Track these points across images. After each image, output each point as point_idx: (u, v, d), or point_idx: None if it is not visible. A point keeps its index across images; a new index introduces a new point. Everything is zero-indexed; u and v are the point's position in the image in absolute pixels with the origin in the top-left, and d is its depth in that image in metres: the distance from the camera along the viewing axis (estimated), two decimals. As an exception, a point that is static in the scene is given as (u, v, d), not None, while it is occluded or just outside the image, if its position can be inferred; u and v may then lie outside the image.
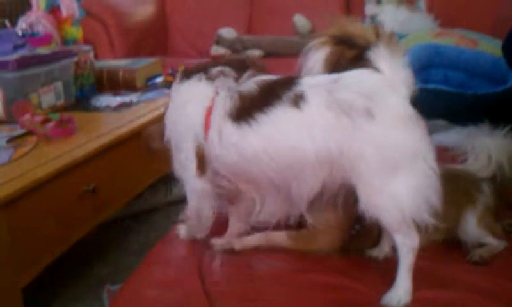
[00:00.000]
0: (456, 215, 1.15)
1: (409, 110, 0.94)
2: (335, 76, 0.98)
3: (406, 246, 0.95)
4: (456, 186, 1.16)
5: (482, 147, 1.26)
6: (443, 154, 1.33)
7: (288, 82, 1.01)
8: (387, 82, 0.95)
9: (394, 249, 0.99)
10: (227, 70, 1.09)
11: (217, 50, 3.59)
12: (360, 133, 0.92)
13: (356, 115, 0.92)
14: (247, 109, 0.99)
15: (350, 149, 0.92)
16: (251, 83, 1.03)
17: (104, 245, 2.22)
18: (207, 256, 1.07)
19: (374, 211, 0.94)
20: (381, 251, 1.09)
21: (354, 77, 0.97)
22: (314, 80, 0.99)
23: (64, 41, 2.46)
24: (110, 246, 2.21)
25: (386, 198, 0.93)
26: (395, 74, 0.95)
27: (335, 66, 1.01)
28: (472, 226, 1.14)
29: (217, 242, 1.11)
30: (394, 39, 0.96)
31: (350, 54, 0.99)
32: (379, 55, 0.95)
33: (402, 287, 0.95)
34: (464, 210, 1.16)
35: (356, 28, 1.00)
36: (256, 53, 3.48)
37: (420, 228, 0.96)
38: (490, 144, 1.26)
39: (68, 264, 1.96)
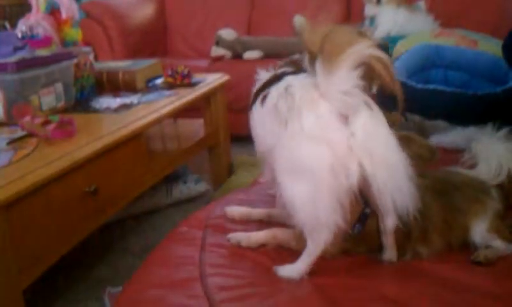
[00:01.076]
0: (464, 222, 1.14)
1: (318, 130, 0.96)
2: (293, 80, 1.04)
3: (309, 246, 1.03)
4: (466, 194, 1.17)
5: (491, 152, 1.25)
6: (449, 157, 1.33)
7: (269, 82, 1.11)
8: (314, 96, 0.97)
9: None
10: None
11: (217, 51, 3.59)
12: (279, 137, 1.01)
13: (281, 121, 1.00)
14: None
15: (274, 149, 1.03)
16: None
17: (104, 246, 2.23)
18: (208, 257, 1.07)
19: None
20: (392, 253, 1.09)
21: (297, 86, 1.01)
22: (282, 83, 1.05)
23: (64, 43, 2.46)
24: (111, 247, 2.22)
25: (288, 198, 1.01)
26: (326, 89, 0.96)
27: None
28: (483, 232, 1.14)
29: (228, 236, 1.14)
30: (338, 50, 0.92)
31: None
32: (318, 69, 0.96)
33: (298, 266, 1.03)
34: (475, 217, 1.15)
35: (308, 38, 1.02)
36: (256, 54, 3.48)
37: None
38: (500, 149, 1.25)
39: (68, 265, 1.96)
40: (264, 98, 1.08)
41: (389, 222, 1.05)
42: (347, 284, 1.00)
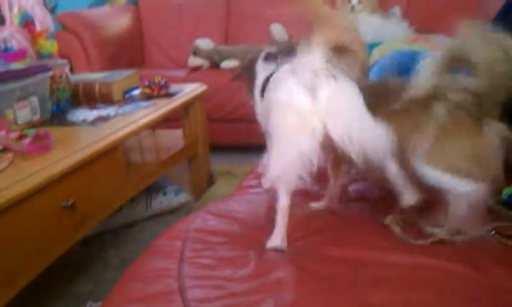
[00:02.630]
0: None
1: (285, 97, 1.13)
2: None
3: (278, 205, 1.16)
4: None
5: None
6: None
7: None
8: (290, 70, 1.14)
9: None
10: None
11: (194, 61, 3.59)
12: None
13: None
14: None
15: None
16: None
17: (83, 261, 2.20)
18: (187, 269, 1.06)
19: None
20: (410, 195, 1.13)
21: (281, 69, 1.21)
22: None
23: (39, 56, 2.43)
24: (90, 262, 2.19)
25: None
26: (298, 68, 1.12)
27: None
28: (421, 164, 1.12)
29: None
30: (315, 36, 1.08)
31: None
32: (298, 52, 1.12)
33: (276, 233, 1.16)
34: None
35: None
36: (233, 63, 3.48)
37: None
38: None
39: (48, 281, 1.93)
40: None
41: (392, 169, 1.12)
42: (338, 289, 1.00)
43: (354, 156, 1.08)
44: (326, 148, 1.12)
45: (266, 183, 1.46)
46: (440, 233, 1.15)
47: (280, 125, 1.14)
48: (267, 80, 1.31)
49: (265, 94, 1.29)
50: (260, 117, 1.40)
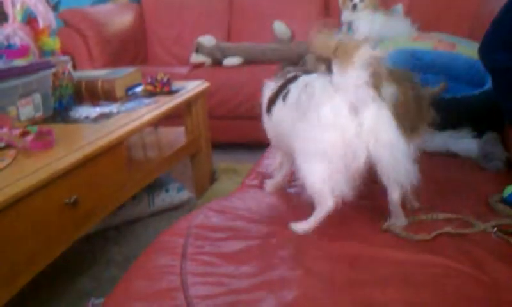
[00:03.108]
0: None
1: (333, 117, 1.15)
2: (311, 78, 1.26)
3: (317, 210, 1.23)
4: None
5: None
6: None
7: (288, 81, 1.34)
8: (330, 90, 1.17)
9: None
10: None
11: (196, 58, 3.58)
12: (298, 124, 1.23)
13: (300, 112, 1.22)
14: None
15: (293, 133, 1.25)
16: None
17: (86, 257, 2.20)
18: (190, 266, 1.06)
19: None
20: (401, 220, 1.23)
21: (316, 83, 1.22)
22: (301, 81, 1.28)
23: (42, 53, 2.44)
24: (92, 259, 2.19)
25: (304, 175, 1.22)
26: (341, 84, 1.15)
27: None
28: None
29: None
30: (349, 51, 1.12)
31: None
32: (334, 69, 1.16)
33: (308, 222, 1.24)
34: None
35: (319, 45, 1.21)
36: (235, 60, 3.48)
37: None
38: None
39: (49, 279, 1.93)
40: (286, 94, 1.31)
41: (394, 196, 1.21)
42: (338, 287, 1.00)
43: (384, 178, 1.18)
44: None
45: (268, 186, 1.52)
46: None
47: (326, 145, 1.16)
48: (285, 85, 1.34)
49: (291, 100, 1.29)
50: (277, 123, 1.37)
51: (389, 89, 1.19)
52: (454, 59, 2.08)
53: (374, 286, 1.00)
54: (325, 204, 1.22)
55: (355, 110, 1.14)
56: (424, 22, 3.20)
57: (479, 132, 1.66)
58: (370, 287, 1.00)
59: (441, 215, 1.25)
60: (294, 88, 1.29)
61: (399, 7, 3.48)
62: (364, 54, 1.11)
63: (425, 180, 1.21)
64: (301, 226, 1.23)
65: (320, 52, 1.23)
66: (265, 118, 1.42)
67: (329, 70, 1.19)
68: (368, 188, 1.29)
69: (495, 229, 1.18)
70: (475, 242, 1.15)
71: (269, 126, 1.42)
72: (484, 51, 1.50)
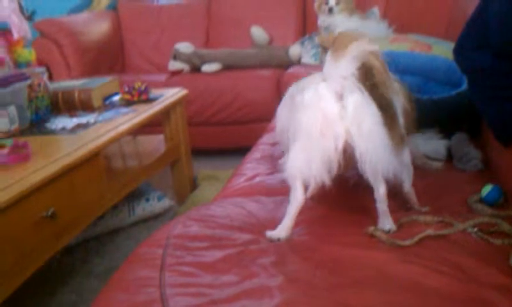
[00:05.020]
0: None
1: (316, 99, 1.17)
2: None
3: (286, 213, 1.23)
4: None
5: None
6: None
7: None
8: (317, 79, 1.21)
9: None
10: None
11: (174, 65, 3.57)
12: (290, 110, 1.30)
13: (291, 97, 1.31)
14: None
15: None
16: None
17: (67, 269, 2.18)
18: (168, 277, 1.05)
19: None
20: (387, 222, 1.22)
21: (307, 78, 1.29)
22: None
23: (17, 64, 2.41)
24: (74, 270, 2.17)
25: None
26: (329, 72, 1.20)
27: None
28: None
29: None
30: (345, 43, 1.17)
31: None
32: (327, 59, 1.21)
33: (282, 225, 1.22)
34: None
35: (323, 38, 1.39)
36: (214, 67, 3.47)
37: None
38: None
39: (29, 293, 1.90)
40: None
41: (380, 190, 1.21)
42: (319, 293, 1.00)
43: (362, 167, 1.16)
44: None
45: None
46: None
47: (306, 124, 1.17)
48: None
49: (287, 96, 1.41)
50: (279, 118, 1.47)
51: (397, 97, 1.25)
52: (431, 61, 2.08)
53: (355, 289, 1.00)
54: (295, 199, 1.21)
55: (339, 96, 1.15)
56: (400, 24, 3.22)
57: (446, 133, 1.67)
58: (350, 291, 0.99)
59: (422, 218, 1.25)
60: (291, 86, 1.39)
61: (375, 10, 3.51)
62: (358, 47, 1.14)
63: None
64: (276, 233, 1.22)
65: (325, 44, 1.28)
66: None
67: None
68: (353, 190, 1.30)
69: (475, 229, 1.19)
70: (454, 242, 1.15)
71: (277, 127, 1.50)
72: (458, 52, 1.51)
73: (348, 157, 1.18)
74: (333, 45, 1.20)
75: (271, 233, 1.22)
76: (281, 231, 1.21)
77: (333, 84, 1.16)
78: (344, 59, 1.15)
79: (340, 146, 1.15)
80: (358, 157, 1.15)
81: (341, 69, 1.16)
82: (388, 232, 1.19)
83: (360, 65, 1.15)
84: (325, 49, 1.30)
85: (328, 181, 1.17)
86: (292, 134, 1.23)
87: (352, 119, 1.14)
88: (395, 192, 1.25)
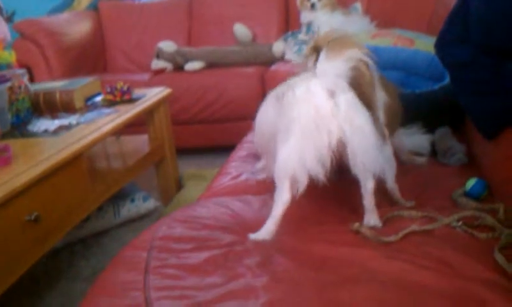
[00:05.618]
0: None
1: (308, 95, 1.18)
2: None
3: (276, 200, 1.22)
4: None
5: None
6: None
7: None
8: (309, 77, 1.22)
9: None
10: None
11: (157, 64, 3.55)
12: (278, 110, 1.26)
13: (279, 99, 1.26)
14: None
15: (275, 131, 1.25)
16: None
17: (53, 273, 2.16)
18: (152, 280, 1.04)
19: None
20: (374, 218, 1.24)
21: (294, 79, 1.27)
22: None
23: (-3, 67, 2.37)
24: (60, 274, 2.15)
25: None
26: (323, 69, 1.21)
27: None
28: None
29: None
30: (341, 45, 1.22)
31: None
32: (321, 56, 1.22)
33: (265, 227, 1.21)
34: None
35: (319, 37, 1.32)
36: (197, 65, 3.46)
37: None
38: None
39: (14, 297, 1.88)
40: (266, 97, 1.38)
41: (368, 185, 1.22)
42: (306, 291, 0.99)
43: (353, 163, 1.19)
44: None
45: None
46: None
47: (299, 119, 1.17)
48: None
49: (272, 96, 1.36)
50: (261, 122, 1.42)
51: (380, 93, 1.28)
52: (414, 55, 2.09)
53: (342, 287, 1.00)
54: (280, 200, 1.21)
55: (331, 94, 1.17)
56: (383, 19, 3.23)
57: (430, 128, 1.68)
58: (337, 288, 0.99)
59: (406, 213, 1.25)
60: (272, 91, 1.36)
61: (358, 5, 3.52)
62: (353, 52, 1.18)
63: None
64: (260, 234, 1.21)
65: (317, 43, 1.30)
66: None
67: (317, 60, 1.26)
68: (338, 188, 1.30)
69: (460, 223, 1.19)
70: (440, 237, 1.16)
71: (256, 133, 1.47)
72: (439, 46, 1.52)
73: (339, 153, 1.19)
74: (328, 45, 1.22)
75: (255, 235, 1.21)
76: (266, 234, 1.21)
77: (325, 81, 1.18)
78: (338, 59, 1.18)
79: (334, 142, 1.17)
80: (350, 153, 1.17)
81: (335, 68, 1.19)
82: (373, 227, 1.20)
83: (352, 67, 1.18)
84: (317, 49, 1.28)
85: (321, 177, 1.17)
86: (282, 133, 1.21)
87: (344, 117, 1.16)
88: (378, 187, 1.24)
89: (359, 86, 1.20)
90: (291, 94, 1.21)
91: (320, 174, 1.17)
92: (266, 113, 1.37)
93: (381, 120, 1.29)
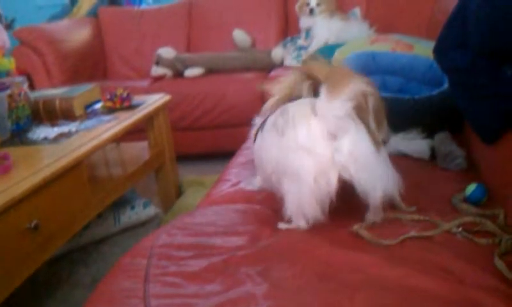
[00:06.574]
0: None
1: (309, 141, 1.20)
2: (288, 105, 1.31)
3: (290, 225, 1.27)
4: None
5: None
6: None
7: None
8: (308, 113, 1.22)
9: None
10: None
11: (157, 71, 3.56)
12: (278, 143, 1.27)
13: (278, 133, 1.27)
14: None
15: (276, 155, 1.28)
16: None
17: (53, 281, 2.15)
18: (152, 288, 1.04)
19: None
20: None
21: (291, 106, 1.29)
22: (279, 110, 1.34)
23: (-3, 74, 2.38)
24: (60, 282, 2.15)
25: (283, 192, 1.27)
26: (323, 110, 1.20)
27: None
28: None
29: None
30: (341, 81, 1.20)
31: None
32: (321, 93, 1.20)
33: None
34: None
35: (314, 67, 1.32)
36: (197, 71, 3.46)
37: None
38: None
39: (15, 305, 1.88)
40: (263, 123, 1.38)
41: (376, 196, 1.21)
42: (301, 303, 0.99)
43: (361, 193, 1.19)
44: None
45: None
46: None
47: (298, 167, 1.21)
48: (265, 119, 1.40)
49: (268, 125, 1.34)
50: (260, 151, 1.42)
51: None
52: (413, 60, 2.09)
53: (343, 294, 0.99)
54: (297, 223, 1.25)
55: (332, 137, 1.18)
56: (382, 25, 3.23)
57: (429, 133, 1.68)
58: (338, 295, 0.99)
59: (409, 217, 1.25)
60: (271, 116, 1.35)
61: (356, 10, 3.52)
62: (354, 87, 1.17)
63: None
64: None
65: (312, 72, 1.31)
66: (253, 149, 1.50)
67: (314, 91, 1.29)
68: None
69: (460, 228, 1.19)
70: (440, 242, 1.16)
71: (255, 156, 1.48)
72: (438, 51, 1.52)
73: (344, 189, 1.21)
74: (327, 80, 1.21)
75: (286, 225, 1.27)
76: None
77: (327, 123, 1.19)
78: (339, 98, 1.16)
79: (333, 188, 1.19)
80: (357, 186, 1.18)
81: (336, 109, 1.17)
82: (373, 222, 1.23)
83: (355, 104, 1.17)
84: (314, 80, 1.32)
85: (322, 218, 1.21)
86: (283, 171, 1.25)
87: (348, 157, 1.17)
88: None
89: (362, 119, 1.20)
90: (293, 134, 1.22)
91: (320, 216, 1.21)
92: (267, 150, 1.34)
93: (372, 127, 1.27)
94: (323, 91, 1.20)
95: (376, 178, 1.19)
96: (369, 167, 1.18)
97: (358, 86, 1.18)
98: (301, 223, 1.24)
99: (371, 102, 1.21)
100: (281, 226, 1.28)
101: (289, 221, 1.26)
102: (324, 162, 1.18)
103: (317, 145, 1.19)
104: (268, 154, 1.33)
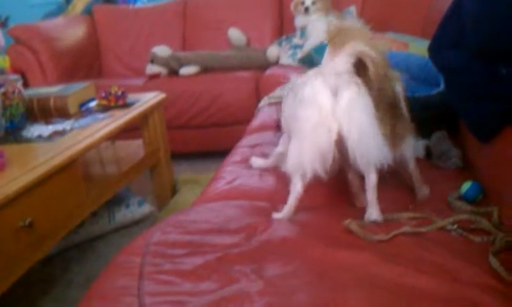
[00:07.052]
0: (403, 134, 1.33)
1: (311, 96, 1.25)
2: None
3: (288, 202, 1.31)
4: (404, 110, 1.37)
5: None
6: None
7: None
8: (315, 74, 1.28)
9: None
10: None
11: (152, 69, 3.55)
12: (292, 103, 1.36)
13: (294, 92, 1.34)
14: None
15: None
16: None
17: (47, 279, 2.15)
18: (147, 286, 1.04)
19: None
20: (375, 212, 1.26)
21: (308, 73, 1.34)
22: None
23: (-9, 72, 2.37)
24: (54, 280, 2.14)
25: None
26: (325, 68, 1.28)
27: None
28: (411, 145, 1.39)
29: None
30: (343, 40, 1.24)
31: None
32: (325, 54, 1.30)
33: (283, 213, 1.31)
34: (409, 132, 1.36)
35: (329, 30, 1.32)
36: (192, 69, 3.46)
37: None
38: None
39: (8, 304, 1.87)
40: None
41: (371, 179, 1.25)
42: (295, 301, 0.99)
43: (353, 157, 1.22)
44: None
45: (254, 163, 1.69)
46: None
47: (302, 119, 1.26)
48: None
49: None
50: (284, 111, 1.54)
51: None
52: (408, 59, 2.10)
53: (337, 292, 0.99)
54: (293, 191, 1.29)
55: (333, 91, 1.22)
56: (377, 23, 3.21)
57: (426, 132, 1.67)
58: (332, 293, 0.99)
59: (405, 215, 1.25)
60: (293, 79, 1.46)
61: (352, 9, 3.52)
62: (355, 46, 1.21)
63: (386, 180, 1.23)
64: (280, 215, 1.31)
65: (325, 37, 1.33)
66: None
67: None
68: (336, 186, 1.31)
69: (455, 226, 1.19)
70: (435, 240, 1.16)
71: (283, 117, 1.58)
72: (433, 50, 1.52)
73: (342, 149, 1.24)
74: (331, 40, 1.27)
75: (277, 215, 1.31)
76: (284, 212, 1.31)
77: (328, 80, 1.23)
78: (339, 56, 1.22)
79: (333, 138, 1.22)
80: (349, 147, 1.21)
81: (336, 66, 1.23)
82: (373, 222, 1.24)
83: (355, 61, 1.21)
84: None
85: (322, 174, 1.23)
86: (293, 128, 1.33)
87: (344, 112, 1.20)
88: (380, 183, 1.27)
89: (365, 79, 1.22)
90: (301, 93, 1.28)
91: (320, 170, 1.23)
92: (286, 101, 1.49)
93: (404, 110, 1.34)
94: (327, 51, 1.28)
95: (368, 139, 1.21)
96: (362, 127, 1.21)
97: (358, 45, 1.22)
98: (297, 184, 1.28)
99: (370, 64, 1.22)
100: (276, 215, 1.30)
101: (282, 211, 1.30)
102: (323, 112, 1.22)
103: (318, 98, 1.23)
104: (287, 110, 1.45)
